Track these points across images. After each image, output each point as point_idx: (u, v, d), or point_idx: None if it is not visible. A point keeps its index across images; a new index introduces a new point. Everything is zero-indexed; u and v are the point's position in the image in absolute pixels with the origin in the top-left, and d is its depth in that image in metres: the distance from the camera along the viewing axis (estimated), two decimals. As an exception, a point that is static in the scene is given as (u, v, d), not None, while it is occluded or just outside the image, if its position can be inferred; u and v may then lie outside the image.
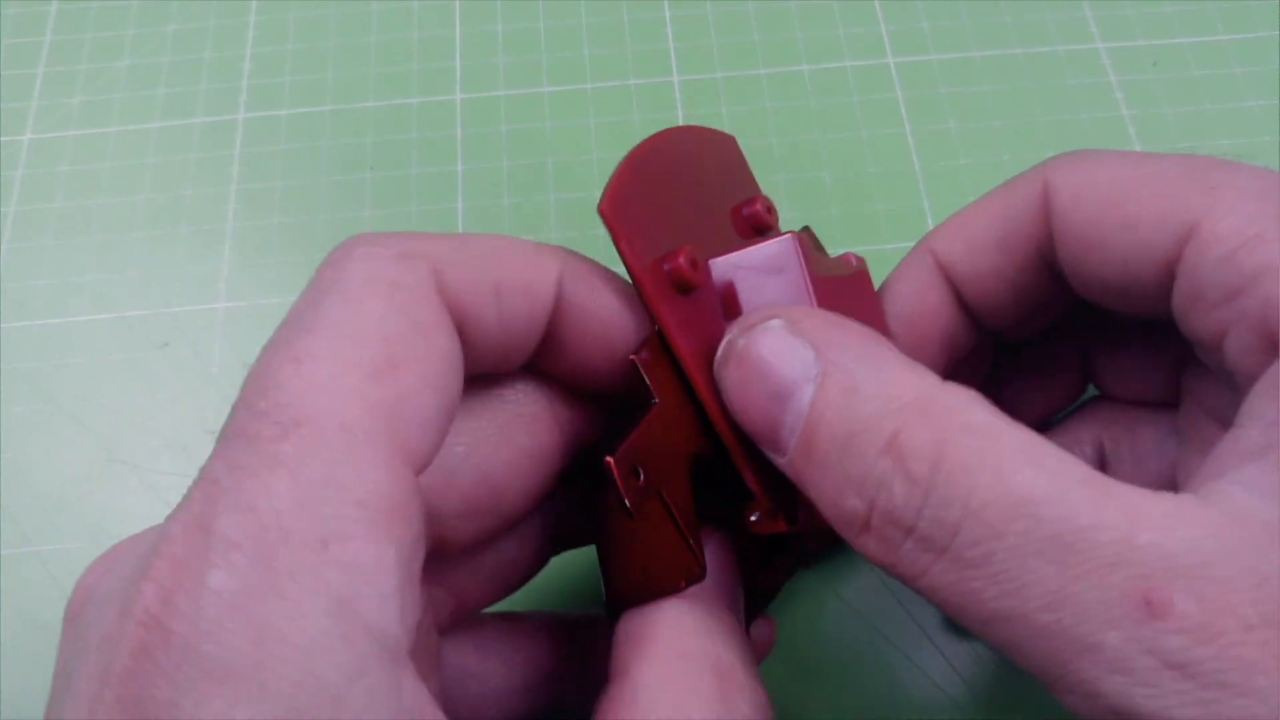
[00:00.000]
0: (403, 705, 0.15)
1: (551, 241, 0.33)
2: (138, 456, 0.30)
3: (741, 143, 0.35)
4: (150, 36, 0.39)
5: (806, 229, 0.25)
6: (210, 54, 0.38)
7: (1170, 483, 0.23)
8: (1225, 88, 0.36)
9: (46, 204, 0.35)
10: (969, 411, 0.17)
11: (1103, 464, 0.25)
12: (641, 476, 0.20)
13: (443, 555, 0.21)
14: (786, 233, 0.22)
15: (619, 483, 0.19)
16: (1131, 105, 0.36)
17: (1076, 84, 0.36)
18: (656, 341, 0.21)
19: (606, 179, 0.32)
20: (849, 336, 0.19)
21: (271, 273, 0.34)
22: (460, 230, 0.34)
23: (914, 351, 0.22)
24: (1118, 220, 0.20)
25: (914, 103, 0.36)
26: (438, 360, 0.18)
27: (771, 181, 0.35)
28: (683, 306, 0.21)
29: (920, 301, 0.23)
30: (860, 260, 0.23)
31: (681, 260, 0.21)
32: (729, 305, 0.22)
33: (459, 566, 0.22)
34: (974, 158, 0.35)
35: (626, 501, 0.19)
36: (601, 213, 0.21)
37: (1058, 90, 0.36)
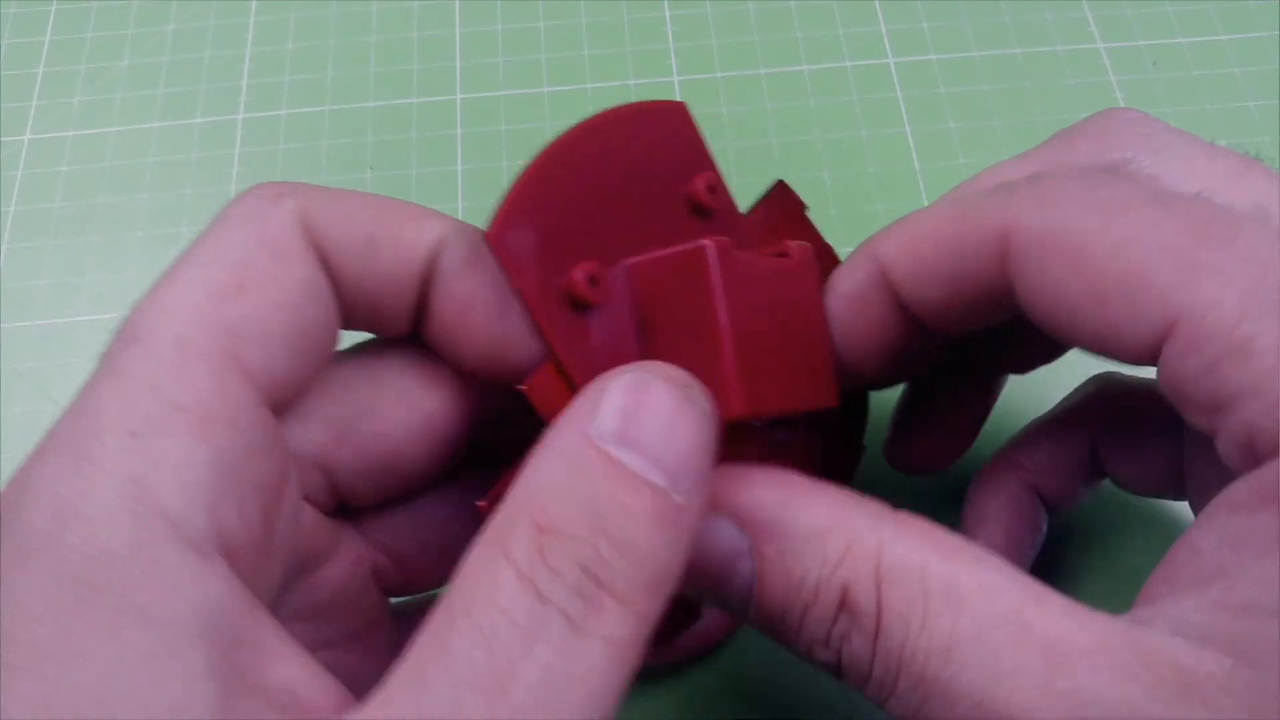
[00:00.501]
0: (205, 593, 0.16)
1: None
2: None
3: (741, 143, 0.35)
4: (150, 36, 0.39)
5: (778, 185, 0.24)
6: (210, 54, 0.38)
7: (1170, 477, 0.24)
8: (1225, 88, 0.36)
9: (46, 204, 0.35)
10: (894, 546, 0.18)
11: (1097, 458, 0.25)
12: None
13: (357, 511, 0.22)
14: (704, 240, 0.20)
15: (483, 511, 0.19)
16: (1131, 105, 0.36)
17: (1076, 84, 0.36)
18: (552, 368, 0.20)
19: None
20: (767, 493, 0.19)
21: (271, 273, 0.34)
22: (460, 230, 0.34)
23: (856, 359, 0.23)
24: (1089, 296, 0.19)
25: (914, 103, 0.36)
26: (292, 287, 0.19)
27: (771, 181, 0.34)
28: (583, 326, 0.21)
29: (862, 313, 0.22)
30: (802, 249, 0.22)
31: (577, 277, 0.20)
32: (645, 320, 0.21)
33: (383, 525, 0.22)
34: (974, 158, 0.35)
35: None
36: (487, 240, 0.20)
37: (1058, 90, 0.36)
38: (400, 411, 0.21)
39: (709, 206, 0.23)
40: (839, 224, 0.34)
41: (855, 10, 0.38)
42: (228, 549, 0.17)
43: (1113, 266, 0.18)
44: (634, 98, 0.36)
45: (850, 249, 0.34)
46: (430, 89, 0.37)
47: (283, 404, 0.19)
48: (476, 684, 0.15)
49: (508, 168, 0.35)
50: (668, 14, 0.38)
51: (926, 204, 0.34)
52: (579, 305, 0.21)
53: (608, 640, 0.15)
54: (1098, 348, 0.19)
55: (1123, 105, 0.36)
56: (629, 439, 0.17)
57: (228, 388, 0.18)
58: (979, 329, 0.22)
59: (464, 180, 0.35)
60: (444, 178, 0.35)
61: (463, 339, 0.20)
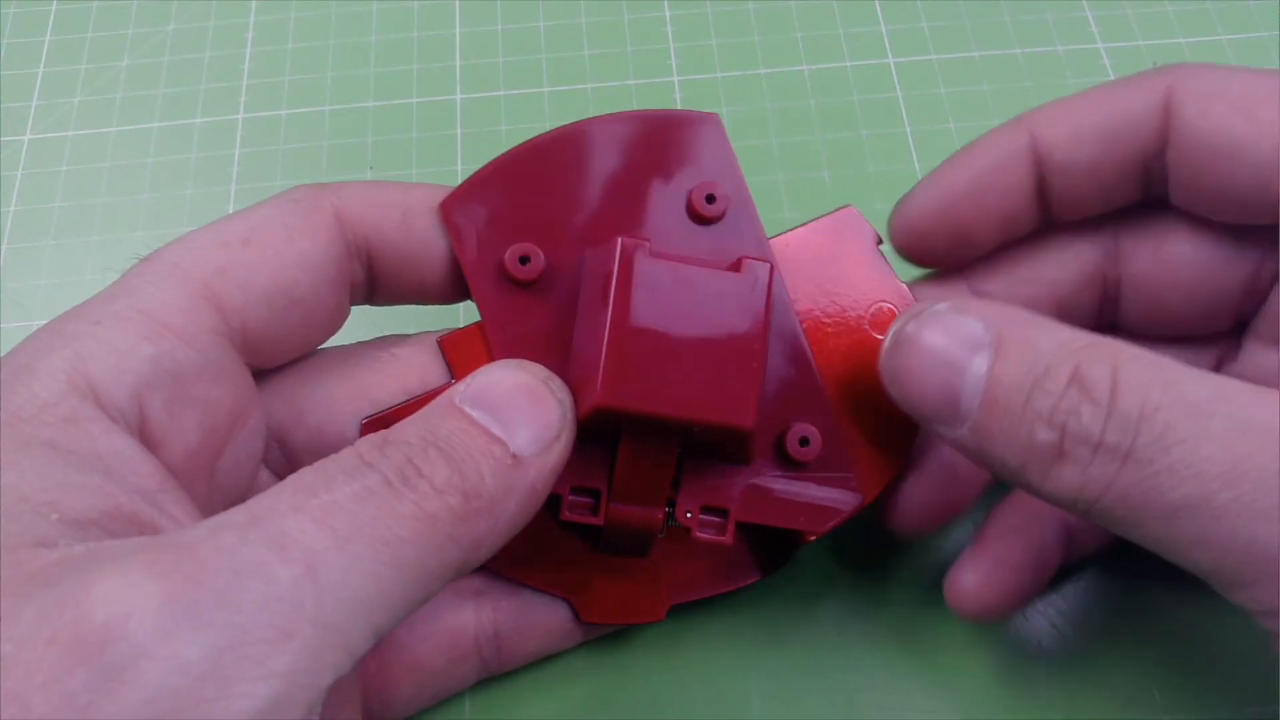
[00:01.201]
0: (95, 446, 0.19)
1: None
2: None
3: (741, 143, 0.35)
4: (150, 36, 0.39)
5: (844, 210, 0.26)
6: (210, 54, 0.38)
7: (1187, 296, 0.24)
8: (1225, 88, 0.36)
9: (46, 204, 0.35)
10: (1133, 347, 0.19)
11: (1117, 254, 0.25)
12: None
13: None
14: (621, 238, 0.22)
15: (360, 430, 0.23)
16: (1131, 105, 0.36)
17: (1076, 84, 0.36)
18: (476, 330, 0.24)
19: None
20: (1010, 310, 0.21)
21: (271, 273, 0.34)
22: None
23: (981, 227, 0.24)
24: (1256, 129, 0.21)
25: (914, 103, 0.36)
26: (291, 255, 0.22)
27: (771, 181, 0.35)
28: (523, 303, 0.23)
29: (998, 176, 0.24)
30: (759, 269, 0.23)
31: (507, 255, 0.23)
32: (580, 306, 0.23)
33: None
34: (974, 158, 0.35)
35: None
36: (440, 208, 0.24)
37: (1058, 90, 0.36)
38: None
39: (706, 215, 0.24)
40: (839, 224, 0.34)
41: (855, 10, 0.38)
42: (150, 437, 0.20)
43: (1274, 103, 0.21)
44: (634, 98, 0.36)
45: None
46: (430, 89, 0.37)
47: (257, 355, 0.22)
48: (294, 490, 0.17)
49: (508, 168, 0.35)
50: (668, 14, 0.38)
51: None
52: (515, 282, 0.23)
53: (417, 507, 0.18)
54: (1248, 190, 0.21)
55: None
56: (479, 399, 0.20)
57: (195, 309, 0.21)
58: (1103, 210, 0.24)
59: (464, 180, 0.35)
60: (444, 178, 0.35)
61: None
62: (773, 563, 0.26)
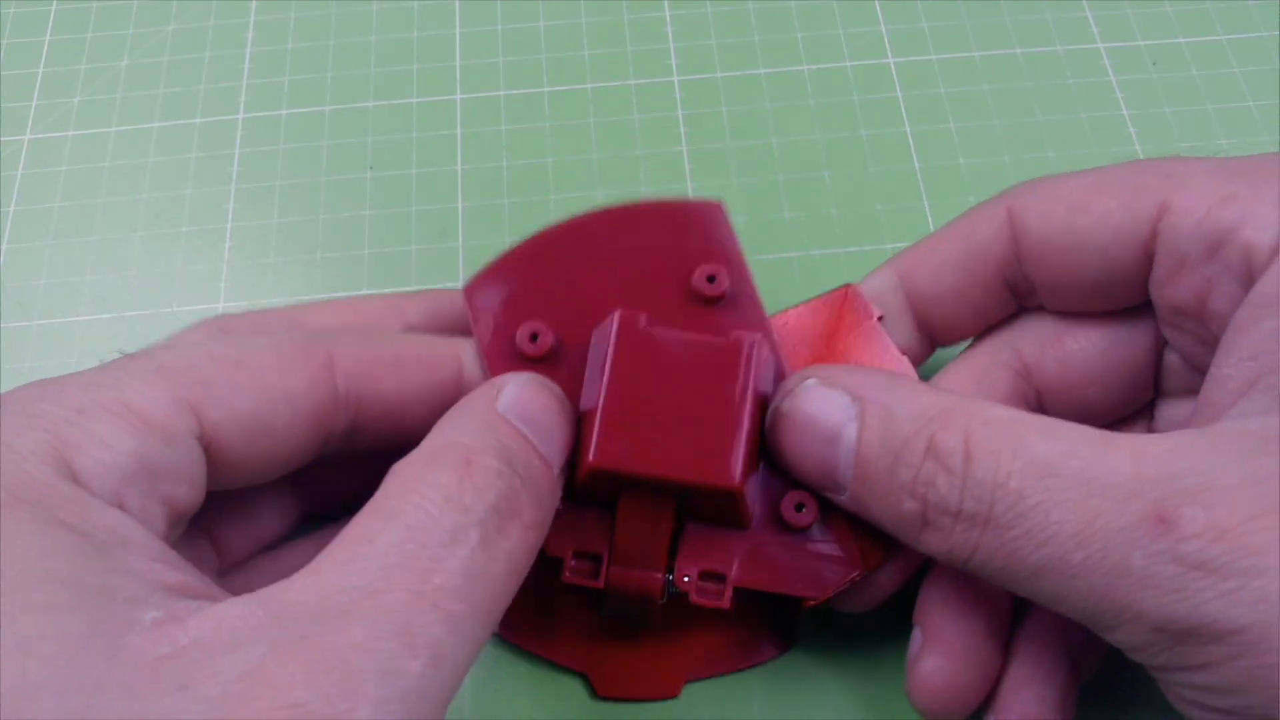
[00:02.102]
0: (108, 524, 0.18)
1: (551, 241, 0.33)
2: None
3: (741, 142, 0.35)
4: (150, 36, 0.39)
5: (843, 289, 0.27)
6: (210, 54, 0.38)
7: (1101, 385, 0.25)
8: (1225, 88, 0.36)
9: (46, 204, 0.35)
10: (986, 409, 0.20)
11: (1027, 372, 0.26)
12: None
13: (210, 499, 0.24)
14: (618, 311, 0.24)
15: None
16: (1131, 105, 0.36)
17: (1076, 84, 0.36)
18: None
19: (606, 179, 0.34)
20: (876, 377, 0.22)
21: (271, 273, 0.34)
22: (460, 229, 0.34)
23: (855, 359, 0.26)
24: (1090, 220, 0.23)
25: (914, 102, 0.36)
26: (280, 387, 0.22)
27: (771, 181, 0.35)
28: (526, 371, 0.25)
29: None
30: (744, 341, 0.24)
31: (519, 333, 0.25)
32: (586, 376, 0.25)
33: (220, 516, 0.25)
34: (974, 158, 0.35)
35: None
36: (464, 291, 0.26)
37: (1058, 90, 0.36)
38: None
39: (707, 294, 0.25)
40: (839, 224, 0.34)
41: (855, 10, 0.38)
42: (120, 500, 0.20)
43: (1103, 194, 0.22)
44: (634, 97, 0.36)
45: (851, 248, 0.34)
46: (430, 89, 0.37)
47: (214, 474, 0.22)
48: (405, 566, 0.18)
49: (508, 167, 0.35)
50: (668, 14, 0.38)
51: (927, 204, 0.34)
52: (526, 358, 0.25)
53: (514, 550, 0.20)
54: (1102, 273, 0.23)
55: (1123, 105, 0.36)
56: (525, 416, 0.22)
57: (177, 411, 0.21)
58: (975, 329, 0.26)
59: (464, 180, 0.35)
60: (444, 178, 0.35)
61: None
62: (788, 638, 0.26)
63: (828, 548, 0.24)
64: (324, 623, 0.17)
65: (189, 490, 0.21)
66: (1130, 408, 0.25)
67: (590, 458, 0.23)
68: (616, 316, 0.24)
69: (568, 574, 0.24)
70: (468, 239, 0.34)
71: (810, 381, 0.23)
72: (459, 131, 0.36)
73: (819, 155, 0.35)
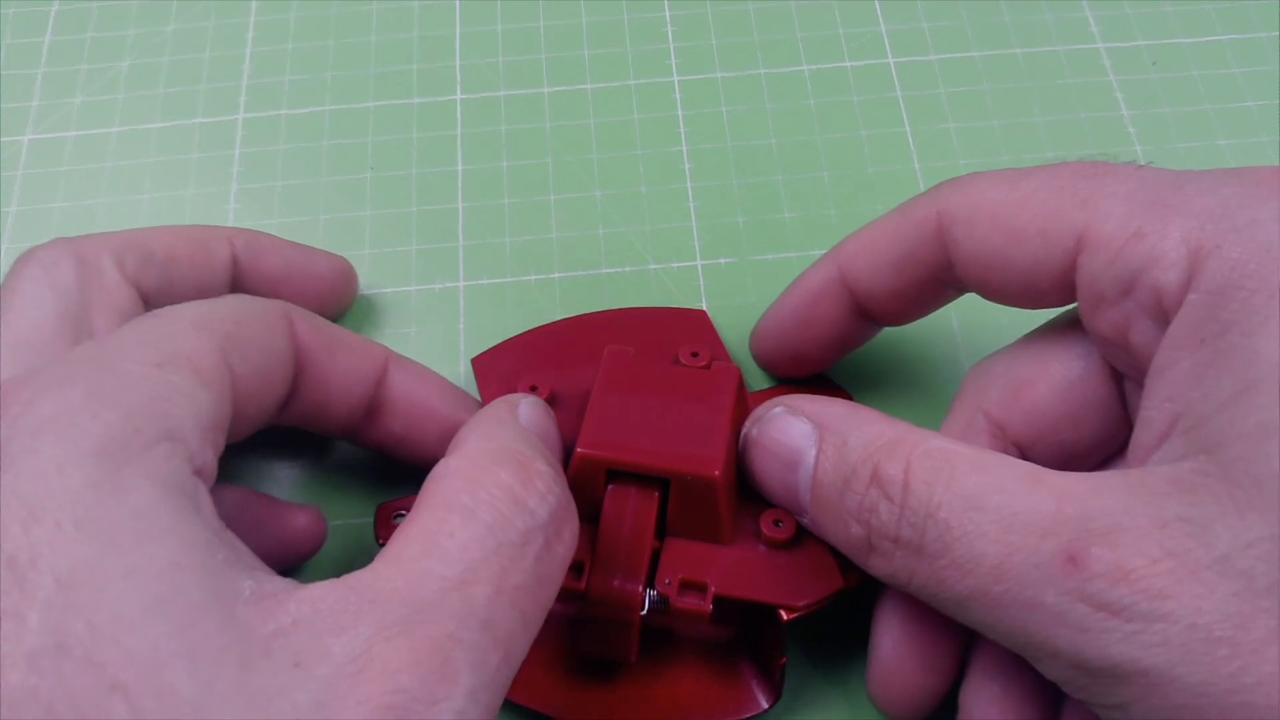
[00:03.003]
0: (184, 488, 0.19)
1: (551, 242, 0.34)
2: (138, 456, 0.30)
3: (741, 142, 0.35)
4: (150, 36, 0.39)
5: (817, 377, 0.30)
6: (210, 54, 0.38)
7: (1072, 427, 0.25)
8: (1225, 88, 0.36)
9: (46, 204, 0.35)
10: (928, 440, 0.21)
11: (1000, 431, 0.25)
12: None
13: None
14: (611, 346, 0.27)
15: (377, 514, 0.27)
16: (1131, 105, 0.36)
17: (1076, 84, 0.36)
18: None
19: (606, 179, 0.34)
20: (834, 407, 0.23)
21: (272, 273, 0.33)
22: (460, 229, 0.34)
23: (812, 349, 0.28)
24: (1010, 240, 0.23)
25: (914, 103, 0.36)
26: (273, 344, 0.23)
27: (771, 181, 0.35)
28: None
29: (820, 304, 0.27)
30: (726, 369, 0.27)
31: (518, 386, 0.28)
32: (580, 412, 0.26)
33: None
34: (974, 158, 0.35)
35: (379, 538, 0.27)
36: (472, 363, 0.29)
37: (1058, 90, 0.36)
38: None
39: (689, 365, 0.27)
40: (839, 224, 0.34)
41: (855, 10, 0.38)
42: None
43: (1024, 213, 0.23)
44: (634, 97, 0.36)
45: (850, 249, 0.34)
46: (430, 89, 0.37)
47: (234, 425, 0.23)
48: (486, 563, 0.19)
49: (508, 168, 0.35)
50: (668, 14, 0.38)
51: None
52: None
53: (565, 554, 0.21)
54: (1025, 287, 0.23)
55: (1123, 105, 0.36)
56: (540, 433, 0.23)
57: (220, 364, 0.21)
58: (918, 316, 0.27)
59: (464, 180, 0.35)
60: (444, 178, 0.35)
61: (416, 424, 0.27)
62: (773, 692, 0.25)
63: (807, 562, 0.25)
64: (422, 611, 0.18)
65: (222, 446, 0.22)
66: (1116, 442, 0.25)
67: (579, 448, 0.25)
68: (610, 350, 0.27)
69: None
70: (468, 239, 0.34)
71: (777, 410, 0.24)
72: (459, 131, 0.36)
73: (819, 155, 0.35)
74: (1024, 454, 0.25)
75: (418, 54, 0.38)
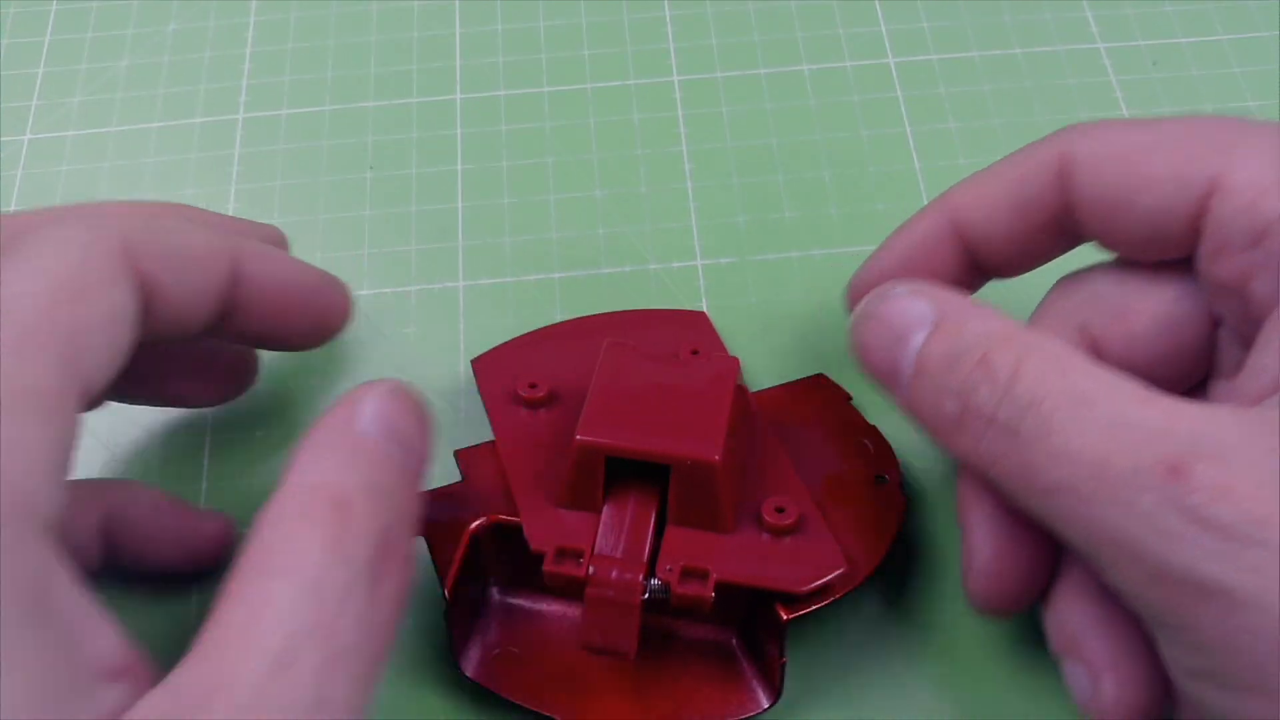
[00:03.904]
0: (28, 566, 0.17)
1: (551, 242, 0.33)
2: (138, 456, 0.30)
3: (741, 142, 0.35)
4: (150, 36, 0.39)
5: (817, 376, 0.30)
6: (210, 54, 0.38)
7: (1163, 363, 0.25)
8: (1225, 88, 0.36)
9: (47, 204, 0.35)
10: (1046, 342, 0.21)
11: (1095, 345, 0.25)
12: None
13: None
14: (607, 339, 0.27)
15: None
16: (1131, 105, 0.36)
17: (1076, 84, 0.36)
18: (489, 447, 0.28)
19: (606, 179, 0.34)
20: (957, 297, 0.23)
21: (271, 273, 0.33)
22: (460, 229, 0.34)
23: None
24: (1140, 183, 0.23)
25: (914, 102, 0.36)
26: (118, 303, 0.21)
27: (771, 181, 0.35)
28: (530, 418, 0.28)
29: (929, 255, 0.26)
30: (724, 360, 0.27)
31: (519, 384, 0.28)
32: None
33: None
34: (974, 158, 0.35)
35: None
36: (472, 364, 0.30)
37: (1058, 90, 0.36)
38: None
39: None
40: (839, 224, 0.34)
41: (855, 10, 0.38)
42: (57, 525, 0.18)
43: (1156, 157, 0.23)
44: (634, 97, 0.36)
45: (851, 248, 0.35)
46: (430, 89, 0.37)
47: (157, 312, 0.22)
48: (308, 633, 0.18)
49: (508, 168, 0.35)
50: (668, 14, 0.38)
51: (926, 204, 0.34)
52: (524, 403, 0.28)
53: (396, 590, 0.20)
54: (1150, 235, 0.23)
55: (1123, 105, 0.36)
56: (389, 429, 0.21)
57: (66, 379, 0.19)
58: (1031, 267, 0.26)
59: (464, 180, 0.35)
60: (444, 178, 0.35)
61: (283, 310, 0.26)
62: (774, 691, 0.25)
63: (809, 548, 0.25)
64: (250, 708, 0.17)
65: (109, 352, 0.20)
66: (1185, 383, 0.25)
67: (578, 435, 0.25)
68: (607, 343, 0.27)
69: (550, 564, 0.24)
70: (468, 239, 0.34)
71: (902, 289, 0.24)
72: (459, 131, 0.36)
73: (819, 155, 0.35)
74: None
75: (418, 54, 0.38)
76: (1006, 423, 0.20)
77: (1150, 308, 0.24)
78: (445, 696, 0.27)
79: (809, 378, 0.30)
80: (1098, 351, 0.25)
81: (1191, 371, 0.25)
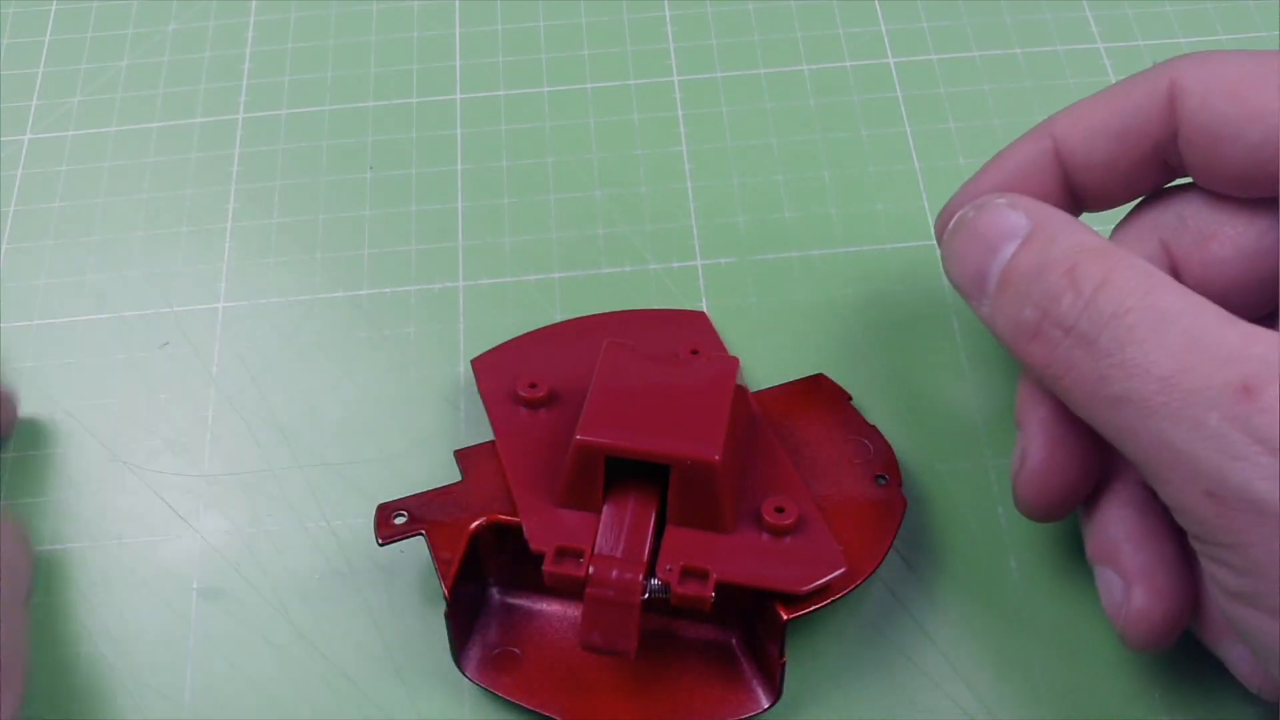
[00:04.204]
0: None
1: (551, 242, 0.34)
2: (138, 457, 0.30)
3: (741, 142, 0.35)
4: (150, 36, 0.39)
5: (816, 376, 0.30)
6: (210, 54, 0.38)
7: (1240, 293, 0.25)
8: (1225, 88, 0.36)
9: (46, 204, 0.35)
10: (1135, 260, 0.21)
11: (1174, 266, 0.26)
12: (405, 519, 0.26)
13: None
14: (607, 340, 0.27)
15: (377, 514, 0.26)
16: (1131, 105, 0.36)
17: (1076, 84, 0.36)
18: (490, 446, 0.28)
19: (606, 179, 0.34)
20: (1054, 211, 0.23)
21: (271, 273, 0.34)
22: (460, 229, 0.34)
23: None
24: (1249, 115, 0.23)
25: (914, 102, 0.36)
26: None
27: (771, 181, 0.35)
28: (530, 417, 0.28)
29: (1028, 179, 0.26)
30: (723, 359, 0.27)
31: (518, 384, 0.28)
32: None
33: None
34: (974, 158, 0.35)
35: (379, 537, 0.26)
36: (472, 363, 0.30)
37: (1058, 90, 0.36)
38: None
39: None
40: (839, 224, 0.34)
41: (855, 10, 0.38)
42: None
43: (1267, 88, 0.22)
44: (634, 97, 0.36)
45: (851, 248, 0.35)
46: (430, 89, 0.37)
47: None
48: None
49: (508, 167, 0.35)
50: (668, 14, 0.38)
51: (926, 204, 0.34)
52: (523, 402, 0.28)
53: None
54: (1251, 168, 0.23)
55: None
56: None
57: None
58: (1126, 200, 0.26)
59: (464, 180, 0.35)
60: (444, 178, 0.35)
61: None
62: (774, 692, 0.26)
63: (809, 548, 0.25)
64: None
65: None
66: (1256, 313, 0.25)
67: (578, 435, 0.25)
68: (607, 343, 0.27)
69: (550, 564, 0.24)
70: (467, 239, 0.34)
71: (1001, 200, 0.24)
72: (459, 131, 0.36)
73: (819, 155, 0.35)
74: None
75: (418, 54, 0.38)
76: (1085, 332, 0.21)
77: (1235, 236, 0.24)
78: (445, 696, 0.27)
79: (809, 378, 0.30)
80: (1175, 271, 0.25)
81: (1264, 303, 0.25)
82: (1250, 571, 0.19)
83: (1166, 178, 0.25)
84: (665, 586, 0.24)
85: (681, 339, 0.30)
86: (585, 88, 0.37)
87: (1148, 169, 0.25)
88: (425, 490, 0.27)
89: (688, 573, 0.24)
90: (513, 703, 0.26)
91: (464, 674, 0.26)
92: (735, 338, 0.31)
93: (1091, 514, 0.25)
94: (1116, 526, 0.24)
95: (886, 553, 0.26)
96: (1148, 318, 0.20)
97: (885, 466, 0.27)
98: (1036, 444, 0.24)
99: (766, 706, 0.25)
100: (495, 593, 0.27)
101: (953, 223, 0.25)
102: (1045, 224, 0.23)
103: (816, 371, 0.30)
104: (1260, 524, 0.18)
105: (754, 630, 0.26)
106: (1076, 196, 0.26)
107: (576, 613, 0.26)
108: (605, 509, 0.25)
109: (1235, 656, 0.24)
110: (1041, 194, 0.26)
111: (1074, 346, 0.21)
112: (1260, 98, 0.23)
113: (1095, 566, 0.25)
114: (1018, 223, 0.23)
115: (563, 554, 0.25)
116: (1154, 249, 0.25)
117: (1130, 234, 0.26)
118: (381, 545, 0.26)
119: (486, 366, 0.29)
